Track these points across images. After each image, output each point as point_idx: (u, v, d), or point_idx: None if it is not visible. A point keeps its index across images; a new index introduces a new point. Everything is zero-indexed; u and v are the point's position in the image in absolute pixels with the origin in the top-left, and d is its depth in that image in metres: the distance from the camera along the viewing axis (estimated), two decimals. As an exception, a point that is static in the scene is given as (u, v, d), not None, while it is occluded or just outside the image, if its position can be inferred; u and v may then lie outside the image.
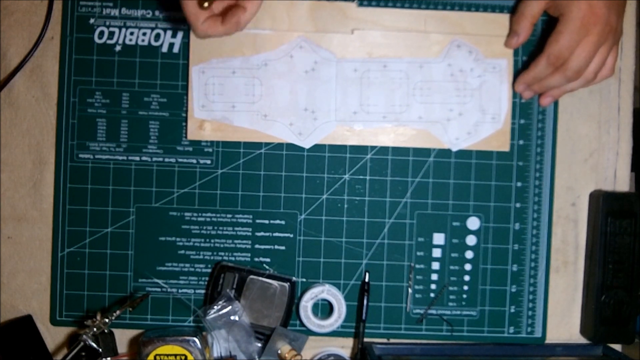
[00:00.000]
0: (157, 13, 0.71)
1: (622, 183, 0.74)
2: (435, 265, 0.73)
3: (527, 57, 0.72)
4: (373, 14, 0.71)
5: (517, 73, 0.71)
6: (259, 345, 0.71)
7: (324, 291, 0.71)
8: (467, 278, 0.73)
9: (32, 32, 0.72)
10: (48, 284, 0.72)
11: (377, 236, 0.73)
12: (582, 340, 0.74)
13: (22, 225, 0.72)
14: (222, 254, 0.73)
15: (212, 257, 0.73)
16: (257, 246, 0.73)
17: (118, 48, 0.71)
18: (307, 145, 0.72)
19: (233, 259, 0.73)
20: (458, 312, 0.73)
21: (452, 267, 0.73)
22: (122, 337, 0.73)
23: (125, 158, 0.72)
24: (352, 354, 0.74)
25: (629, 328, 0.72)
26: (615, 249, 0.71)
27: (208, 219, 0.72)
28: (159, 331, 0.70)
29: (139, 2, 0.71)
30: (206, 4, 0.58)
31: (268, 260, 0.73)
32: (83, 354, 0.66)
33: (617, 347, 0.73)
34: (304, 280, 0.73)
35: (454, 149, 0.72)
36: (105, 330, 0.67)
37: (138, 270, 0.72)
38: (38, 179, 0.72)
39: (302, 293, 0.72)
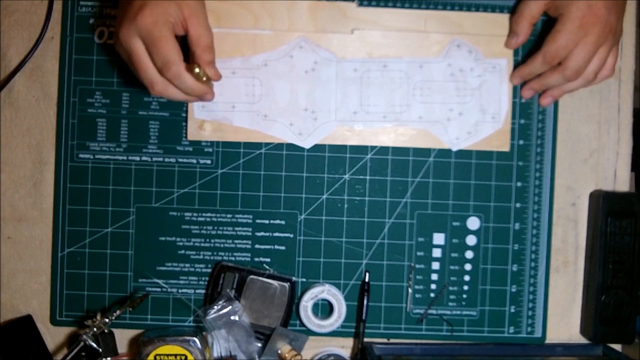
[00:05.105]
0: (157, 13, 0.71)
1: (622, 183, 0.74)
2: (435, 265, 0.73)
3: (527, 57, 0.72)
4: (373, 14, 0.71)
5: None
6: (259, 345, 0.71)
7: (324, 291, 0.71)
8: (467, 278, 0.73)
9: (32, 32, 0.72)
10: (48, 284, 0.72)
11: (377, 236, 0.73)
12: (582, 340, 0.74)
13: (22, 225, 0.72)
14: (222, 254, 0.73)
15: (212, 257, 0.73)
16: (257, 246, 0.73)
17: (118, 48, 0.72)
18: (307, 145, 0.72)
19: (233, 259, 0.73)
20: (458, 312, 0.73)
21: (452, 267, 0.73)
22: (122, 337, 0.73)
23: (125, 158, 0.72)
24: (352, 354, 0.74)
25: (629, 328, 0.72)
26: (615, 249, 0.71)
27: (208, 219, 0.72)
28: (159, 331, 0.70)
29: (139, 2, 0.71)
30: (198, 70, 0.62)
31: (268, 260, 0.73)
32: (83, 354, 0.66)
33: (617, 347, 0.73)
34: (304, 280, 0.73)
35: (454, 148, 0.72)
36: (105, 330, 0.67)
37: (138, 270, 0.72)
38: (38, 179, 0.72)
39: (302, 293, 0.72)
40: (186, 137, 0.71)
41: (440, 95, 0.71)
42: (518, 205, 0.73)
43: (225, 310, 0.69)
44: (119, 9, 0.63)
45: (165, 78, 0.61)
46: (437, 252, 0.73)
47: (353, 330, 0.73)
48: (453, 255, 0.73)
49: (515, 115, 0.73)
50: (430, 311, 0.73)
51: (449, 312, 0.73)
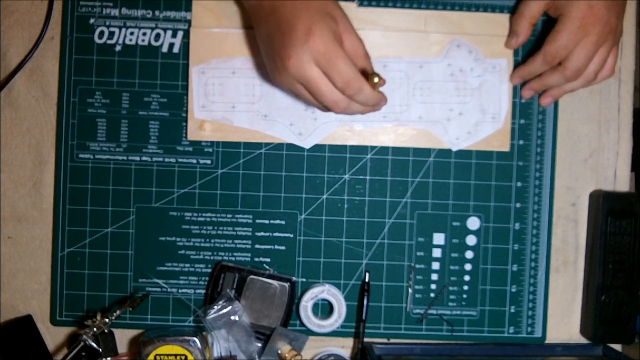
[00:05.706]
0: (157, 13, 0.71)
1: (622, 183, 0.74)
2: (435, 265, 0.73)
3: (527, 57, 0.72)
4: (373, 14, 0.71)
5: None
6: (259, 345, 0.71)
7: (324, 291, 0.71)
8: (467, 278, 0.73)
9: (32, 32, 0.72)
10: (48, 284, 0.72)
11: (377, 236, 0.73)
12: (582, 340, 0.74)
13: (22, 225, 0.72)
14: (222, 254, 0.73)
15: (212, 257, 0.73)
16: (257, 246, 0.73)
17: (118, 48, 0.71)
18: (307, 145, 0.72)
19: (233, 259, 0.73)
20: (458, 312, 0.73)
21: (452, 267, 0.73)
22: (122, 337, 0.73)
23: (125, 158, 0.72)
24: (352, 354, 0.74)
25: (629, 328, 0.72)
26: (615, 249, 0.71)
27: (208, 219, 0.72)
28: (159, 331, 0.70)
29: (139, 2, 0.71)
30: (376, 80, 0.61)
31: (268, 260, 0.73)
32: (83, 354, 0.66)
33: (617, 347, 0.73)
34: (304, 280, 0.73)
35: (454, 148, 0.72)
36: (105, 330, 0.67)
37: (138, 270, 0.72)
38: (38, 179, 0.72)
39: (302, 293, 0.72)
40: (186, 137, 0.72)
41: (440, 95, 0.71)
42: (518, 205, 0.73)
43: (225, 310, 0.69)
44: (268, 39, 0.60)
45: (346, 95, 0.59)
46: (437, 252, 0.73)
47: (353, 330, 0.73)
48: (453, 255, 0.73)
49: (515, 115, 0.73)
50: (430, 311, 0.73)
51: (449, 312, 0.73)
